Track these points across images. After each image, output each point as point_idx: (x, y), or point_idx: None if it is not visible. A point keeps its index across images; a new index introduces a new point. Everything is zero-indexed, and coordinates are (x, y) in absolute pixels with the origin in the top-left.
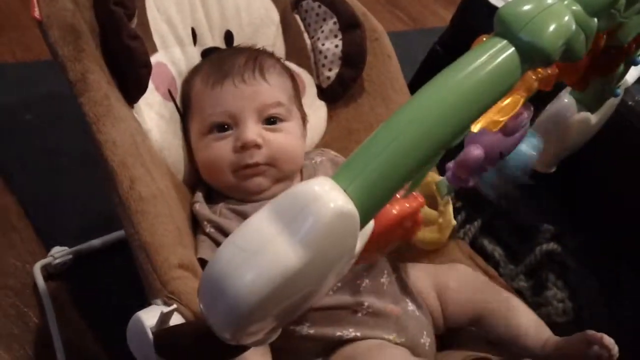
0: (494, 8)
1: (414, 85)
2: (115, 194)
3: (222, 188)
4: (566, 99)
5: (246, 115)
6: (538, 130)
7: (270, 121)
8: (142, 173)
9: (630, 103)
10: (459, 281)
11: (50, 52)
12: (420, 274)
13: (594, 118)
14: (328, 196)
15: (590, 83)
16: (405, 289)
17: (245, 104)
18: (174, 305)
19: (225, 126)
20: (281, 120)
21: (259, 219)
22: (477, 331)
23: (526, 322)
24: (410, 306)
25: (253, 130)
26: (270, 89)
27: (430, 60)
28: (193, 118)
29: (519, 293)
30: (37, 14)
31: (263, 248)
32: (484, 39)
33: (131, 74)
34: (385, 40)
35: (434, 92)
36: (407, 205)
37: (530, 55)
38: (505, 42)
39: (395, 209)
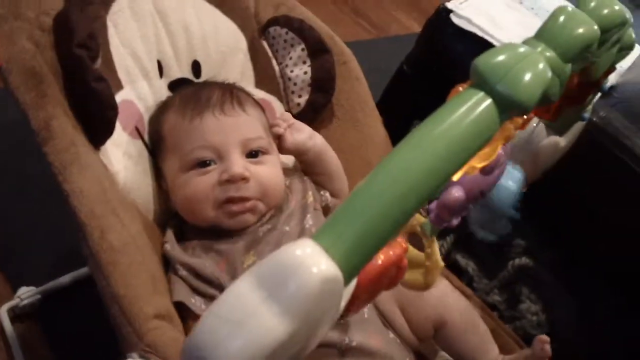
0: (459, 29)
1: (382, 104)
2: (85, 245)
3: (201, 225)
4: (535, 124)
5: (230, 148)
6: (509, 156)
7: (253, 154)
8: (112, 221)
9: (594, 119)
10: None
11: (13, 98)
12: (382, 294)
13: (562, 141)
14: (311, 260)
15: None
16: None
17: (228, 136)
18: None
19: (208, 161)
20: (263, 152)
21: (241, 287)
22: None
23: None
24: (392, 334)
25: (239, 163)
26: (250, 120)
27: (398, 80)
28: (169, 155)
29: (493, 307)
30: None
31: (247, 318)
32: (460, 89)
33: (97, 117)
34: (354, 62)
35: (414, 147)
36: (392, 253)
37: (508, 106)
38: (482, 93)
39: (380, 258)
